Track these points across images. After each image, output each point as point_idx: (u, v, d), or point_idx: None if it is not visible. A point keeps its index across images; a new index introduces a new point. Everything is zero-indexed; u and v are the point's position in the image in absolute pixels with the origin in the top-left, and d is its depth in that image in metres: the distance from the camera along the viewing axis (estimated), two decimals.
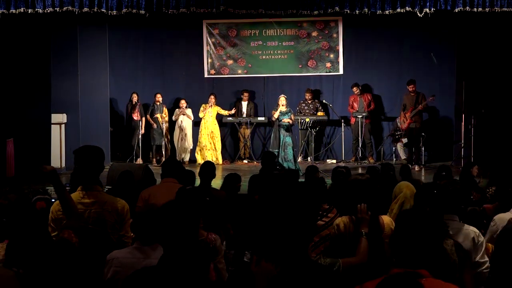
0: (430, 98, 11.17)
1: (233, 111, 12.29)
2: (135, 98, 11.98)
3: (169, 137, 12.24)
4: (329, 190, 5.90)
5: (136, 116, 11.93)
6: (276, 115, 10.88)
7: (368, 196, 3.60)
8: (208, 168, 5.61)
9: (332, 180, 6.69)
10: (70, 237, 3.02)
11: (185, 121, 12.08)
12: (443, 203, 3.73)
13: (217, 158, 11.94)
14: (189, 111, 12.11)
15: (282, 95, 11.26)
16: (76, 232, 3.08)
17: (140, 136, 11.75)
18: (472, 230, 3.70)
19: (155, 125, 12.00)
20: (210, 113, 12.02)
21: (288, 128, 10.87)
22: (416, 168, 10.82)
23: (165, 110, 12.19)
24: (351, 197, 3.61)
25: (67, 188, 3.83)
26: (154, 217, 3.19)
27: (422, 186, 4.80)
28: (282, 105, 10.99)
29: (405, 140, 11.64)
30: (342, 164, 11.12)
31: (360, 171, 7.64)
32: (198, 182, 5.87)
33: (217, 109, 12.11)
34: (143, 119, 12.00)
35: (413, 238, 2.32)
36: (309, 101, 12.24)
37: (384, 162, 10.10)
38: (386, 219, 3.70)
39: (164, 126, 12.09)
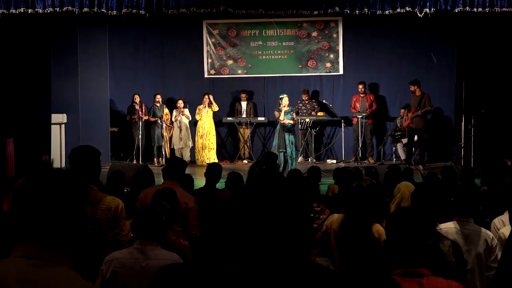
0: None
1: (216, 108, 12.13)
2: (137, 99, 11.90)
3: (169, 137, 12.23)
4: (338, 192, 5.87)
5: (135, 118, 11.90)
6: (282, 117, 10.33)
7: (372, 202, 3.49)
8: (214, 169, 5.56)
9: (337, 180, 6.62)
10: None
11: (184, 121, 12.08)
12: (458, 206, 3.70)
13: (209, 158, 11.93)
14: (186, 111, 12.09)
15: (285, 95, 10.66)
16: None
17: (140, 137, 11.74)
18: (487, 233, 3.67)
19: (156, 126, 12.00)
20: (206, 113, 12.01)
21: (290, 128, 10.74)
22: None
23: (166, 110, 12.18)
24: (356, 203, 3.48)
25: None
26: (154, 217, 3.20)
27: (418, 186, 4.77)
28: (285, 106, 10.77)
29: (405, 140, 11.63)
30: (342, 164, 11.08)
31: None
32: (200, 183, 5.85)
33: (213, 107, 12.03)
34: (143, 118, 11.98)
35: (402, 238, 2.32)
36: (306, 101, 12.22)
37: (394, 164, 9.87)
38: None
39: (165, 126, 12.08)
